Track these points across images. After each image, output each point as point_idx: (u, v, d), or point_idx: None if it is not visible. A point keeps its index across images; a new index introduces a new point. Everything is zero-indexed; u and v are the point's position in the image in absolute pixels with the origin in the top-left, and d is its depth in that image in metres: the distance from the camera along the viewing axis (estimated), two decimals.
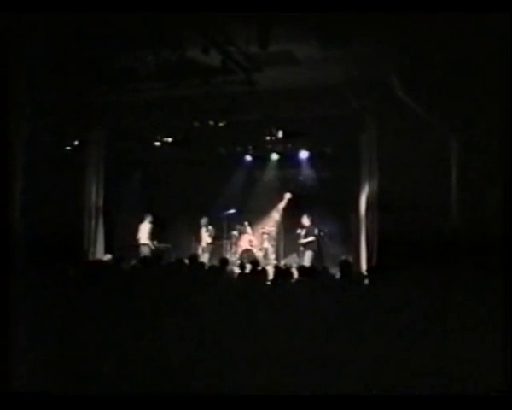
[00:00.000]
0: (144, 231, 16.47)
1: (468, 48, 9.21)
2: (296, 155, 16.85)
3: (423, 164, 11.43)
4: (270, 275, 9.76)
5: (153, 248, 16.17)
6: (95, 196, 15.37)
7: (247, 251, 16.49)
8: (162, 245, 16.43)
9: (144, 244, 16.31)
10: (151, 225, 16.52)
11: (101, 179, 15.51)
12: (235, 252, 16.76)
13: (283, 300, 6.94)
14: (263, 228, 17.16)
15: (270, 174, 17.72)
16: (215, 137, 15.42)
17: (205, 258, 15.58)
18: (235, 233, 16.94)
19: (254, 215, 17.36)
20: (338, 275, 9.15)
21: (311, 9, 8.37)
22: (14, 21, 7.21)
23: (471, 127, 10.42)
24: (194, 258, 11.52)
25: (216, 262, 13.78)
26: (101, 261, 12.86)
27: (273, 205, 17.41)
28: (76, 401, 4.66)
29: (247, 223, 17.01)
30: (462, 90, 10.13)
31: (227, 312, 6.32)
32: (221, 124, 14.46)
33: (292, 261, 15.78)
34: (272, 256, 16.64)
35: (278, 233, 17.24)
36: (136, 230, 16.60)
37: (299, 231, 15.76)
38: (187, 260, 10.84)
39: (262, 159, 17.42)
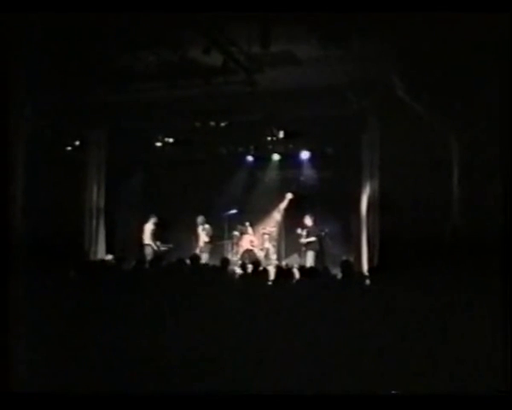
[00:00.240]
0: (148, 231, 16.48)
1: (469, 48, 9.20)
2: (297, 155, 16.85)
3: (424, 164, 11.42)
4: (272, 275, 9.77)
5: (156, 248, 16.17)
6: (96, 196, 15.38)
7: (249, 251, 16.49)
8: (164, 245, 16.42)
9: (147, 245, 16.32)
10: (154, 226, 16.53)
11: (102, 180, 15.52)
12: (237, 252, 16.76)
13: (285, 300, 6.94)
14: (264, 228, 17.15)
15: (271, 174, 17.72)
16: (216, 137, 15.45)
17: (203, 257, 15.51)
18: (236, 233, 16.94)
19: (255, 215, 17.35)
20: (339, 275, 9.15)
21: (312, 9, 8.35)
22: (14, 21, 7.21)
23: (472, 127, 10.40)
24: (195, 258, 11.54)
25: (216, 262, 13.80)
26: (102, 261, 12.88)
27: (274, 205, 17.41)
28: (76, 401, 4.66)
29: (248, 223, 17.00)
30: (462, 90, 10.12)
31: (228, 312, 6.32)
32: (222, 124, 14.48)
33: (293, 262, 15.77)
34: (273, 256, 16.64)
35: (279, 233, 17.25)
36: (140, 230, 16.62)
37: (300, 231, 15.75)
38: (188, 261, 10.86)
39: (263, 159, 17.42)
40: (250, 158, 17.51)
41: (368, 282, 8.49)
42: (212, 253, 16.46)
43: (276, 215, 17.35)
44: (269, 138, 15.65)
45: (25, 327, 5.50)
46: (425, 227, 11.03)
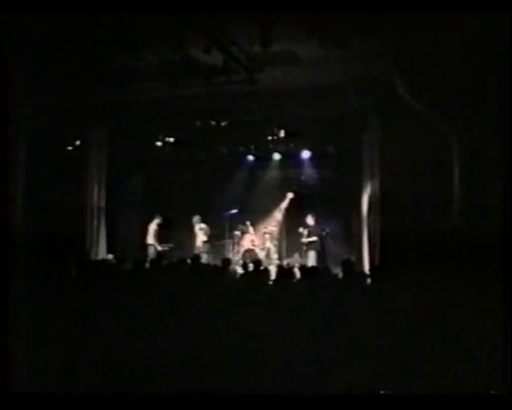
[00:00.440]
0: (151, 231, 16.51)
1: (469, 48, 9.20)
2: (298, 154, 16.87)
3: (425, 163, 11.42)
4: (273, 275, 9.77)
5: (159, 248, 16.19)
6: (96, 195, 15.37)
7: (250, 251, 16.49)
8: (165, 245, 16.43)
9: (150, 245, 16.34)
10: (157, 227, 16.55)
11: (102, 179, 15.52)
12: (238, 252, 16.77)
13: (286, 299, 6.94)
14: (265, 228, 17.15)
15: (272, 174, 17.74)
16: (217, 136, 15.46)
17: (202, 257, 15.48)
18: (237, 233, 16.95)
19: (256, 215, 17.35)
20: (340, 275, 9.15)
21: (312, 9, 8.36)
22: (14, 21, 7.21)
23: (473, 127, 10.41)
24: (196, 258, 11.54)
25: (217, 262, 13.80)
26: (103, 261, 12.88)
27: (275, 205, 17.41)
28: (76, 401, 4.66)
29: (249, 223, 17.01)
30: (463, 90, 10.12)
31: (229, 311, 6.32)
32: (223, 124, 14.47)
33: (294, 261, 15.76)
34: (274, 256, 16.64)
35: (280, 233, 17.24)
36: (141, 230, 16.70)
37: (301, 230, 15.74)
38: (189, 260, 10.87)
39: (264, 159, 17.44)
40: (251, 157, 17.53)
41: (369, 281, 8.49)
42: (210, 252, 16.48)
43: (277, 215, 17.35)
44: (269, 138, 15.66)
45: (25, 327, 5.50)
46: (426, 227, 11.03)
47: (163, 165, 17.49)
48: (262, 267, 10.32)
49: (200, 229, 16.64)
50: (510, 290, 5.78)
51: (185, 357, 5.46)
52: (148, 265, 10.66)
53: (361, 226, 13.98)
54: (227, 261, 11.01)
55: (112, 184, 15.81)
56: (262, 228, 17.22)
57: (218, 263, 11.67)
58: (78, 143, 15.11)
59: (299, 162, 17.10)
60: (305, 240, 15.67)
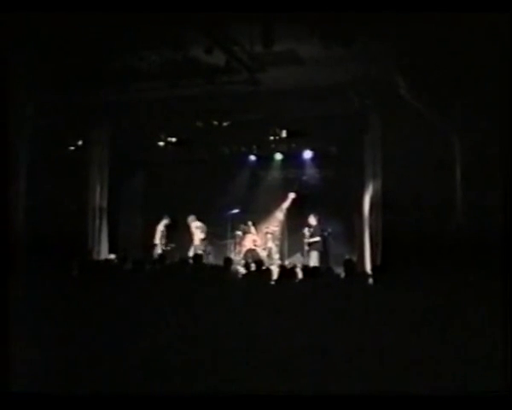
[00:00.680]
0: (159, 232, 16.57)
1: (470, 48, 9.21)
2: (300, 154, 16.86)
3: (427, 163, 11.42)
4: (275, 275, 9.78)
5: (164, 248, 16.22)
6: (98, 195, 15.37)
7: (251, 251, 16.47)
8: (170, 245, 16.47)
9: (156, 245, 16.39)
10: (164, 228, 16.59)
11: (104, 179, 15.51)
12: (239, 252, 16.75)
13: (288, 299, 6.94)
14: (267, 228, 17.12)
15: (273, 174, 17.72)
16: (219, 136, 15.46)
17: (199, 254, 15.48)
18: (239, 233, 16.93)
19: (258, 215, 17.32)
20: (342, 275, 9.15)
21: (314, 9, 8.36)
22: (14, 21, 7.21)
23: (474, 127, 10.40)
24: (198, 258, 11.55)
25: (218, 261, 13.83)
26: (105, 261, 12.90)
27: (277, 205, 17.37)
28: (76, 401, 4.66)
29: (250, 223, 16.98)
30: (464, 90, 10.12)
31: (231, 311, 6.32)
32: (225, 123, 14.48)
33: (296, 261, 15.76)
34: (276, 256, 16.62)
35: (282, 233, 17.22)
36: (148, 231, 16.74)
37: (305, 230, 15.72)
38: (191, 260, 10.89)
39: (266, 159, 17.42)
40: (252, 157, 17.50)
41: (370, 281, 8.49)
42: (207, 249, 16.42)
43: (279, 215, 17.31)
44: (271, 138, 15.65)
45: (25, 327, 5.50)
46: (427, 226, 11.03)
47: (165, 165, 17.50)
48: (264, 267, 10.34)
49: (197, 227, 16.64)
50: (511, 290, 5.77)
51: (186, 357, 5.46)
52: (153, 265, 10.69)
53: (363, 226, 13.96)
54: (229, 261, 11.03)
55: (114, 183, 15.81)
56: (264, 228, 17.19)
57: (220, 263, 11.68)
58: (79, 142, 15.11)
59: (300, 162, 17.08)
60: (307, 240, 15.66)
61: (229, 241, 16.96)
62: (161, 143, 16.02)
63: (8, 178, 7.60)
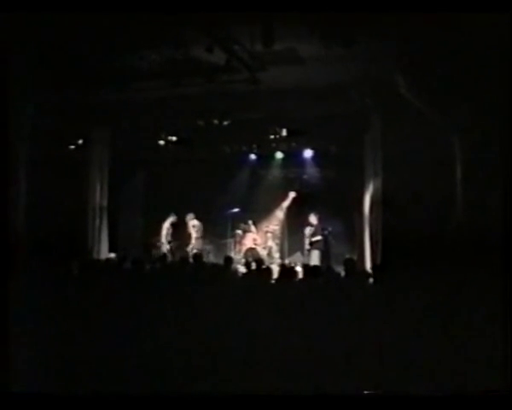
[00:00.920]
0: (165, 230, 16.61)
1: (470, 47, 9.20)
2: (300, 153, 16.88)
3: (427, 163, 11.41)
4: (275, 274, 9.78)
5: (170, 246, 16.25)
6: (99, 194, 15.36)
7: (252, 250, 16.49)
8: (172, 243, 16.51)
9: (163, 243, 16.43)
10: (170, 226, 16.62)
11: (105, 178, 15.50)
12: (240, 251, 16.77)
13: (288, 298, 6.94)
14: (267, 227, 17.15)
15: (274, 173, 17.75)
16: (219, 135, 15.44)
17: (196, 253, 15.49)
18: (239, 232, 16.95)
19: (258, 214, 17.35)
20: (342, 274, 9.15)
21: (315, 8, 8.36)
22: (14, 21, 7.21)
23: (475, 126, 10.40)
24: (198, 257, 11.55)
25: (218, 260, 13.82)
26: (105, 260, 12.90)
27: (277, 204, 17.39)
28: (76, 401, 4.66)
29: (251, 221, 17.00)
30: (465, 90, 10.12)
31: (231, 310, 6.33)
32: (225, 123, 14.48)
33: (296, 260, 15.76)
34: (276, 255, 16.64)
35: (282, 232, 17.23)
36: (152, 229, 16.76)
37: (307, 229, 15.71)
38: (191, 260, 10.89)
39: (266, 158, 17.45)
40: (253, 156, 17.53)
41: (371, 280, 8.49)
42: (203, 248, 16.44)
43: (279, 214, 17.33)
44: (272, 137, 15.66)
45: (25, 327, 5.51)
46: (428, 226, 11.03)
47: (165, 164, 17.50)
48: (264, 266, 10.34)
49: (193, 226, 16.64)
50: (511, 290, 5.77)
51: (187, 357, 5.47)
52: (153, 264, 10.69)
53: (363, 225, 13.95)
54: (229, 260, 11.03)
55: (114, 183, 15.80)
56: (264, 227, 17.21)
57: (220, 262, 11.68)
58: (80, 142, 15.13)
59: (301, 161, 17.12)
60: (309, 239, 15.65)
61: (230, 240, 16.99)
62: (161, 143, 16.04)
63: (8, 178, 7.59)
